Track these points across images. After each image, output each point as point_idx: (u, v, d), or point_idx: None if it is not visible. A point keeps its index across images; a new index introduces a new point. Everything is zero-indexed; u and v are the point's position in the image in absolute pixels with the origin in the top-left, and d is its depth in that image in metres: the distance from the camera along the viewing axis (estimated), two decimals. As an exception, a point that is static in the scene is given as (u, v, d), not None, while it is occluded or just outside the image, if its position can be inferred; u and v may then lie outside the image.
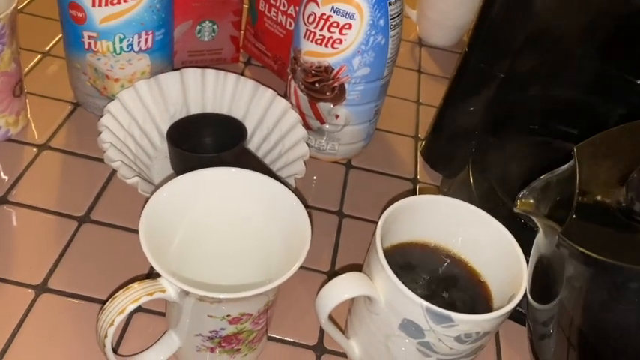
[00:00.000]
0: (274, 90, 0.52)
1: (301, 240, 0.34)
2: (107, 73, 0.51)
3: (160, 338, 0.37)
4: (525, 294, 0.43)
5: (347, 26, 0.46)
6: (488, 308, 0.35)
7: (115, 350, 0.35)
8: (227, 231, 0.38)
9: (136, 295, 0.31)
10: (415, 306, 0.30)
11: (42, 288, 0.41)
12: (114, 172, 0.50)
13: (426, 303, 0.30)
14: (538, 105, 0.53)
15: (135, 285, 0.31)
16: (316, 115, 0.52)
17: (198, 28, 0.59)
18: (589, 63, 0.50)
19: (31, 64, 0.59)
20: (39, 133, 0.52)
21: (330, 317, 0.36)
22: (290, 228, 0.35)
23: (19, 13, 0.63)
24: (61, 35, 0.63)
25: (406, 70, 0.71)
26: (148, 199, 0.35)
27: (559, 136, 0.54)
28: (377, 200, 0.53)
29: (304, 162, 0.48)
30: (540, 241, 0.34)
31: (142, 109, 0.51)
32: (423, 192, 0.55)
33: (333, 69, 0.48)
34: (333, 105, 0.51)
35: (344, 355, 0.41)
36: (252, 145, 0.53)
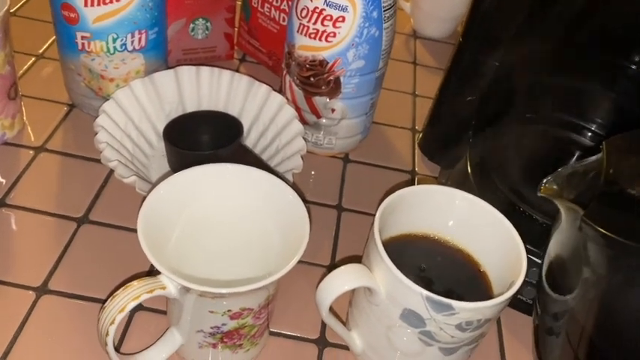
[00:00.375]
0: (269, 86, 0.52)
1: (300, 233, 0.34)
2: (101, 73, 0.51)
3: (161, 336, 0.37)
4: (526, 281, 0.43)
5: (340, 19, 0.46)
6: (489, 296, 0.35)
7: (117, 349, 0.35)
8: (225, 227, 0.38)
9: (135, 293, 0.31)
10: (415, 295, 0.30)
11: (42, 289, 0.41)
12: (111, 172, 0.50)
13: (426, 292, 0.30)
14: (534, 93, 0.53)
15: (135, 283, 0.31)
16: (312, 110, 0.52)
17: (191, 26, 0.59)
18: (584, 49, 0.50)
19: (26, 67, 0.59)
20: (35, 135, 0.52)
21: (331, 310, 0.36)
22: (288, 222, 0.35)
23: (11, 16, 0.63)
24: (54, 37, 0.63)
25: (401, 62, 0.71)
26: (145, 198, 0.35)
27: (556, 124, 0.54)
28: (375, 193, 0.53)
29: (302, 157, 0.48)
30: (560, 228, 0.34)
31: (137, 109, 0.51)
32: (421, 183, 0.55)
33: (327, 62, 0.48)
34: (329, 99, 0.51)
35: (346, 347, 0.41)
36: (249, 141, 0.53)
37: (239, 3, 0.63)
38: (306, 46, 0.49)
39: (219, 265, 0.38)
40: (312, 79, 0.50)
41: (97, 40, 0.48)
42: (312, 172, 0.55)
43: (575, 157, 0.53)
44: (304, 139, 0.49)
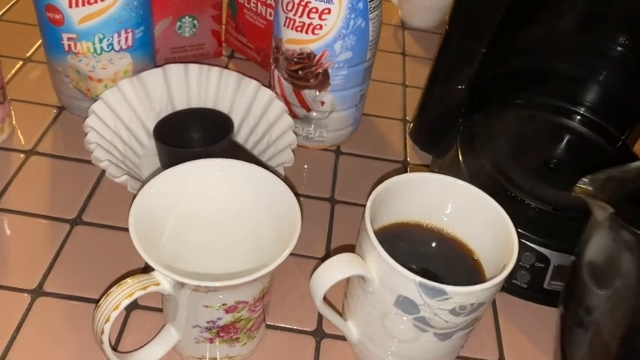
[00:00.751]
0: (259, 81, 0.52)
1: (292, 225, 0.34)
2: (89, 74, 0.50)
3: (158, 333, 0.37)
4: (520, 265, 0.43)
5: (326, 11, 0.46)
6: (481, 281, 0.35)
7: (114, 347, 0.35)
8: (217, 221, 0.38)
9: (129, 290, 0.31)
10: (408, 282, 0.30)
11: (37, 292, 0.41)
12: (103, 172, 0.50)
13: (418, 278, 0.30)
14: (522, 78, 0.53)
15: (128, 280, 0.31)
16: (302, 103, 0.52)
17: (178, 24, 0.59)
18: (571, 33, 0.50)
19: (13, 71, 0.59)
20: (25, 139, 0.52)
21: (327, 300, 0.36)
22: (280, 214, 0.35)
23: (-3, 20, 0.63)
24: (41, 40, 0.62)
25: (390, 53, 0.71)
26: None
27: (545, 109, 0.54)
28: (368, 184, 0.53)
29: (293, 150, 0.48)
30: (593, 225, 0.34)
31: (127, 108, 0.50)
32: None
33: (315, 55, 0.48)
34: (318, 91, 0.51)
35: (343, 338, 0.41)
36: (239, 137, 0.53)
37: (225, 0, 0.63)
38: (293, 40, 0.49)
39: (212, 260, 0.38)
40: (300, 72, 0.50)
41: (84, 40, 0.48)
42: (305, 166, 0.55)
43: (565, 140, 0.53)
44: (295, 132, 0.49)
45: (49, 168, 0.50)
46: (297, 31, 0.48)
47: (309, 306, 0.43)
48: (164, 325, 0.37)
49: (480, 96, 0.52)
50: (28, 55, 0.61)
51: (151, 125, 0.52)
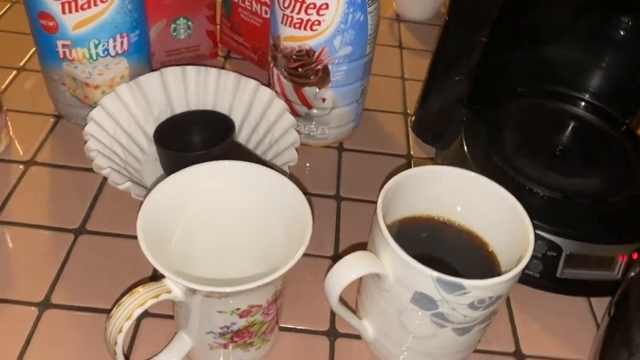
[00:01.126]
0: (257, 80, 0.51)
1: (303, 226, 0.33)
2: (86, 80, 0.50)
3: (170, 341, 0.36)
4: (533, 255, 0.43)
5: (324, 6, 0.45)
6: (497, 273, 0.35)
7: (126, 357, 0.34)
8: (226, 225, 0.37)
9: (141, 299, 0.30)
10: (425, 278, 0.30)
11: (45, 304, 0.40)
12: (105, 180, 0.49)
13: (436, 273, 0.30)
14: (524, 67, 0.53)
15: (139, 289, 0.31)
16: (303, 101, 0.52)
17: (173, 26, 0.58)
18: (572, 19, 0.50)
19: (7, 81, 0.58)
20: (23, 149, 0.51)
21: (341, 299, 0.35)
22: (290, 216, 0.34)
23: (-12, 30, 0.62)
24: (34, 48, 0.62)
25: (387, 47, 0.71)
26: (142, 202, 0.34)
27: (548, 97, 0.54)
28: (373, 180, 0.53)
29: (296, 149, 0.47)
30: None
31: (125, 114, 0.50)
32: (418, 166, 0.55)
33: (314, 52, 0.48)
34: (319, 88, 0.50)
35: (358, 336, 0.41)
36: (241, 137, 0.52)
37: (219, 0, 0.62)
38: (291, 37, 0.48)
39: (222, 264, 0.38)
40: (300, 69, 0.49)
41: (79, 47, 0.47)
42: (307, 164, 0.54)
43: (569, 127, 0.53)
44: (297, 130, 0.48)
45: (50, 178, 0.49)
46: (295, 28, 0.47)
47: (321, 306, 0.43)
48: (176, 333, 0.36)
49: (481, 86, 0.51)
50: (21, 64, 0.61)
51: (151, 130, 0.51)
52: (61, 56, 0.48)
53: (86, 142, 0.45)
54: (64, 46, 0.47)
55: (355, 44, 0.48)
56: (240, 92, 0.52)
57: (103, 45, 0.48)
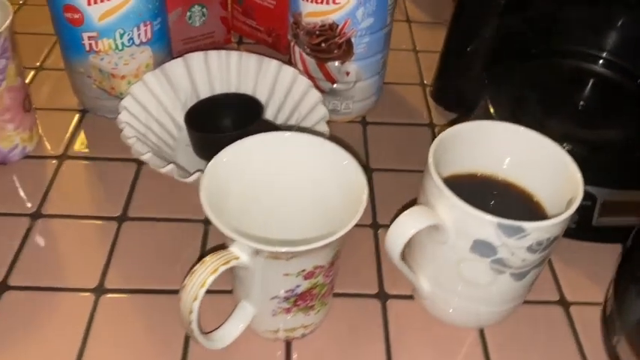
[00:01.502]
0: (279, 59, 0.52)
1: (358, 192, 0.34)
2: (112, 71, 0.50)
3: (233, 311, 0.37)
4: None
5: (346, -21, 0.46)
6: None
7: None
8: (282, 192, 0.38)
9: (213, 266, 0.31)
10: (486, 224, 0.31)
11: (100, 290, 0.41)
12: (139, 168, 0.50)
13: (496, 219, 0.31)
14: (541, 27, 0.54)
15: (208, 258, 0.31)
16: (326, 76, 0.52)
17: (188, 14, 0.59)
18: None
19: (28, 81, 0.58)
20: (54, 145, 0.52)
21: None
22: (346, 184, 0.35)
23: None
24: (48, 48, 0.62)
25: (395, 22, 0.71)
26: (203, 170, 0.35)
27: (565, 56, 0.55)
28: (400, 150, 0.54)
29: (327, 122, 0.48)
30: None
31: (154, 102, 0.50)
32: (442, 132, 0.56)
33: (337, 25, 0.48)
34: (342, 62, 0.51)
35: (407, 297, 0.42)
36: (267, 117, 0.53)
37: (229, -15, 0.63)
38: (313, 13, 0.49)
39: (278, 230, 0.38)
40: (323, 44, 0.50)
41: (105, 38, 0.48)
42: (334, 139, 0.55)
43: (589, 83, 0.54)
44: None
45: (84, 170, 0.50)
46: (317, 3, 0.48)
47: (367, 271, 0.44)
48: (237, 304, 0.37)
49: (500, 48, 0.52)
50: (38, 64, 0.61)
51: (178, 117, 0.52)
52: (87, 49, 0.48)
53: (121, 130, 0.46)
54: (89, 38, 0.48)
55: (377, 15, 0.49)
56: (262, 73, 0.53)
57: (128, 34, 0.48)
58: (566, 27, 0.55)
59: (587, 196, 0.44)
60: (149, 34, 0.50)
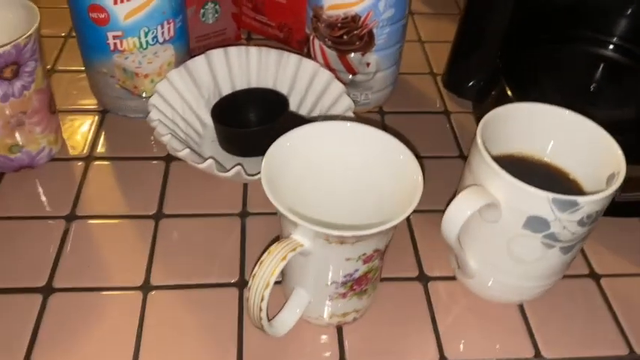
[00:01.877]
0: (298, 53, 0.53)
1: (412, 182, 0.35)
2: (136, 70, 0.50)
3: (289, 298, 0.38)
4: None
5: (369, -29, 0.47)
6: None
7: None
8: (339, 180, 0.39)
9: (282, 254, 0.31)
10: (540, 200, 0.32)
11: (147, 287, 0.41)
12: (168, 166, 0.50)
13: (551, 194, 0.32)
14: (551, 13, 0.56)
15: (274, 247, 0.32)
16: (347, 68, 0.53)
17: (202, 11, 0.59)
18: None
19: (42, 84, 0.58)
20: (78, 146, 0.52)
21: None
22: (400, 173, 0.36)
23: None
24: (58, 50, 0.61)
25: (398, 14, 0.73)
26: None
27: (575, 41, 0.57)
28: (418, 138, 0.55)
29: (354, 113, 0.49)
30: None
31: (179, 100, 0.51)
32: (458, 120, 0.57)
33: (360, 17, 0.49)
34: (363, 54, 0.52)
35: (449, 278, 0.43)
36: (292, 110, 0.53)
37: (237, -18, 0.63)
38: (336, 5, 0.49)
39: (331, 213, 0.39)
40: (345, 37, 0.51)
41: (130, 37, 0.48)
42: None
43: (600, 67, 0.56)
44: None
45: (113, 170, 0.50)
46: (339, -5, 0.49)
47: (404, 256, 0.45)
48: (293, 290, 0.38)
49: (512, 35, 0.54)
50: (49, 67, 0.60)
51: (202, 113, 0.52)
52: (112, 48, 0.48)
53: (154, 128, 0.46)
54: (114, 37, 0.48)
55: (397, 5, 0.50)
56: (282, 67, 0.54)
57: (153, 32, 0.49)
58: (579, 13, 0.56)
59: (610, 173, 0.46)
60: (172, 32, 0.50)
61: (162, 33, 0.49)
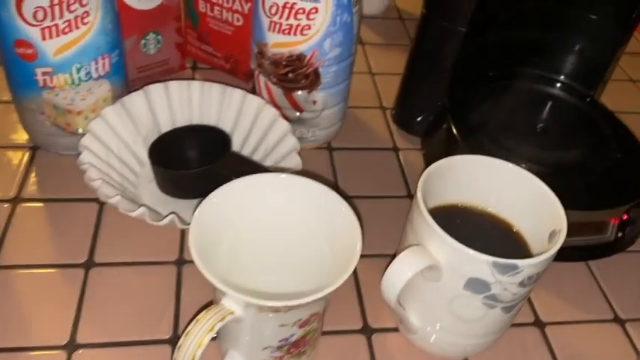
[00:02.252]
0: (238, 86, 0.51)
1: (350, 240, 0.33)
2: (68, 107, 0.47)
3: (222, 362, 0.36)
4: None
5: (313, 11, 0.46)
6: (528, 252, 0.37)
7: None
8: (268, 238, 0.37)
9: (209, 324, 0.29)
10: (481, 263, 0.31)
11: (72, 346, 0.39)
12: (101, 209, 0.48)
13: (492, 258, 0.31)
14: (497, 52, 0.56)
15: (202, 316, 0.30)
16: (293, 105, 0.52)
17: (142, 42, 0.57)
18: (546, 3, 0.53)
19: (-32, 116, 0.54)
20: (5, 186, 0.48)
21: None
22: (337, 230, 0.35)
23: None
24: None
25: (349, 44, 0.72)
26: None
27: (520, 78, 0.57)
28: (367, 175, 0.54)
29: (298, 153, 0.47)
30: None
31: (114, 138, 0.48)
32: (407, 158, 0.57)
33: (305, 56, 0.48)
34: (309, 92, 0.51)
35: (392, 329, 0.42)
36: (233, 148, 0.52)
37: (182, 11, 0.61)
38: (280, 43, 0.48)
39: (264, 277, 0.37)
40: (290, 75, 0.50)
41: (60, 73, 0.45)
42: (302, 167, 0.54)
43: (543, 104, 0.56)
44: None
45: (42, 213, 0.47)
46: (284, 34, 0.47)
47: (348, 307, 0.43)
48: (227, 352, 0.36)
49: (460, 72, 0.53)
50: (-24, 97, 0.57)
51: (140, 151, 0.50)
52: (41, 84, 0.46)
53: (84, 172, 0.43)
54: (44, 73, 0.45)
55: (343, 45, 0.49)
56: (226, 103, 0.52)
57: (86, 69, 0.46)
58: (524, 51, 0.57)
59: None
60: (107, 67, 0.48)
61: (97, 69, 0.47)
